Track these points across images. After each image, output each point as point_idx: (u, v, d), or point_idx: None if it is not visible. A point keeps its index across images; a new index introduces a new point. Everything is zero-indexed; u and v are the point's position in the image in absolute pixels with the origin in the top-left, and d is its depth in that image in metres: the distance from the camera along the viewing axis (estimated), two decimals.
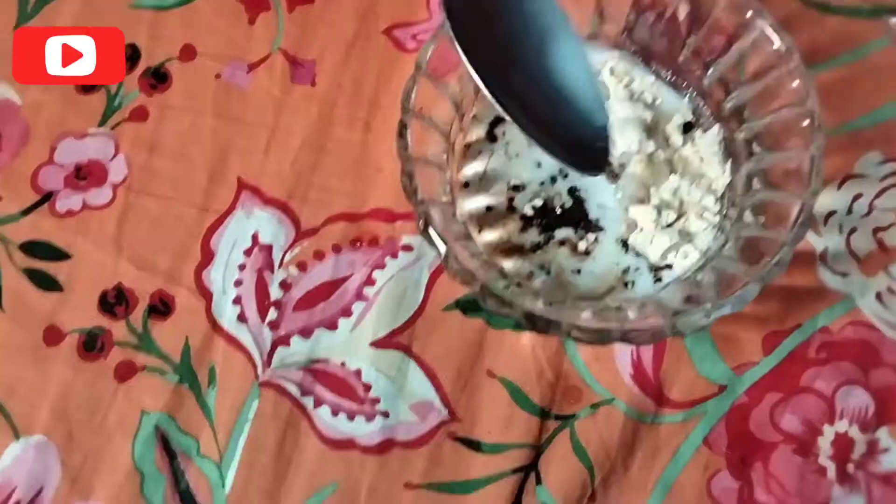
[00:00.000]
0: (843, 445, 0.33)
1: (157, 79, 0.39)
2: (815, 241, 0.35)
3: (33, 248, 0.37)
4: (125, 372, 0.35)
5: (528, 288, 0.32)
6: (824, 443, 0.33)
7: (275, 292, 0.36)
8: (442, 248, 0.29)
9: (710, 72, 0.34)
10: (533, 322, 0.29)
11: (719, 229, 0.33)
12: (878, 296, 0.34)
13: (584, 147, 0.31)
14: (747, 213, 0.32)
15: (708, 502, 0.33)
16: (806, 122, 0.30)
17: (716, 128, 0.34)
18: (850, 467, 0.33)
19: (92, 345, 0.35)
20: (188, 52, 0.39)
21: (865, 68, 0.37)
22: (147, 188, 0.37)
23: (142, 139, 0.38)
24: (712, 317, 0.28)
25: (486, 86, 0.28)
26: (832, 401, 0.33)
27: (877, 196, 0.35)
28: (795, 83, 0.31)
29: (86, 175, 0.38)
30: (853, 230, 0.35)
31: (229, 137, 0.38)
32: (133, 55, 0.39)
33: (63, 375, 0.35)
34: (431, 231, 0.29)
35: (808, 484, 0.33)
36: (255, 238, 0.36)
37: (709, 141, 0.34)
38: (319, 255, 0.36)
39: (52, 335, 0.36)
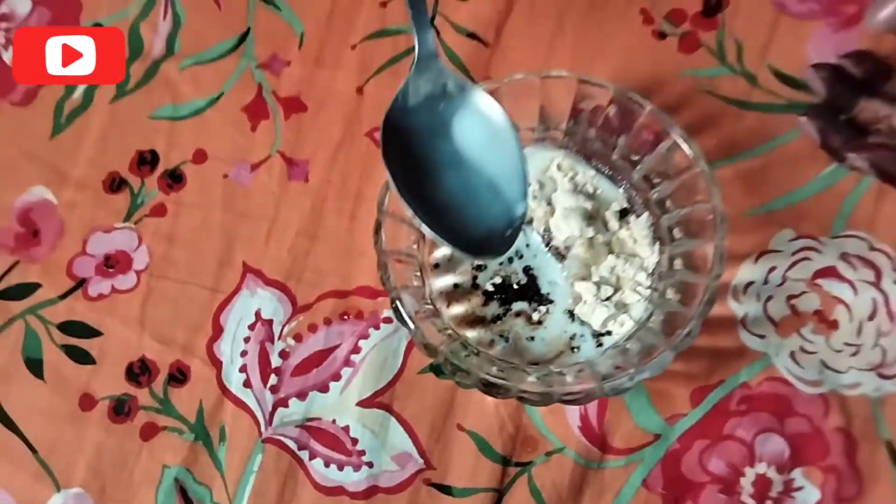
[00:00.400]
0: (762, 485, 0.38)
1: (174, 179, 0.44)
2: (737, 308, 0.39)
3: (69, 328, 0.42)
4: (149, 432, 0.41)
5: (487, 356, 0.37)
6: (746, 483, 0.38)
7: (275, 360, 0.41)
8: (411, 326, 0.35)
9: (637, 168, 0.39)
10: (487, 386, 0.35)
11: (650, 302, 0.38)
12: (792, 354, 0.39)
13: (494, 237, 0.34)
14: (669, 291, 0.37)
15: None
16: (710, 217, 0.35)
17: (645, 214, 0.39)
18: None
19: (120, 409, 0.41)
20: (200, 156, 0.44)
21: (779, 156, 0.41)
22: (166, 273, 0.43)
23: (161, 232, 0.43)
24: (635, 380, 0.34)
25: (406, 200, 0.32)
26: (752, 446, 0.38)
27: (789, 268, 0.40)
28: (702, 184, 0.36)
29: (113, 264, 0.43)
30: (769, 298, 0.39)
31: (235, 228, 0.43)
32: (152, 159, 0.44)
33: (96, 436, 0.41)
34: (402, 313, 0.35)
35: None
36: (257, 314, 0.42)
37: (640, 225, 0.39)
38: (313, 328, 0.42)
39: (87, 401, 0.41)
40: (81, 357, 0.42)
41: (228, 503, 0.39)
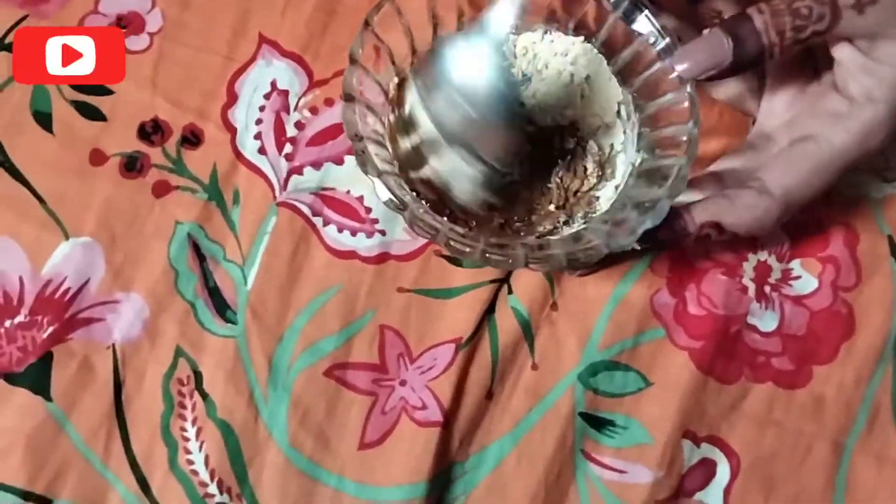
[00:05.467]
0: (762, 270, 0.40)
1: None
2: None
3: (81, 85, 0.42)
4: (161, 189, 0.41)
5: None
6: (748, 267, 0.40)
7: (290, 130, 0.41)
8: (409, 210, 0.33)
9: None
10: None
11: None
12: None
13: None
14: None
15: (650, 314, 0.39)
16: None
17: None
18: (767, 289, 0.40)
19: (132, 166, 0.41)
20: None
21: None
22: (179, 38, 0.42)
23: None
24: (638, 232, 0.32)
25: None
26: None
27: None
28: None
29: (126, 24, 0.42)
30: None
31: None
32: None
33: (107, 190, 0.40)
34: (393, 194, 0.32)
35: (732, 299, 0.39)
36: (273, 84, 0.42)
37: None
38: (329, 102, 0.42)
39: (97, 156, 0.41)
40: (92, 114, 0.41)
41: (242, 260, 0.40)
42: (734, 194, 0.34)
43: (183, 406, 0.39)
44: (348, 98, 0.34)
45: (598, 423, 0.38)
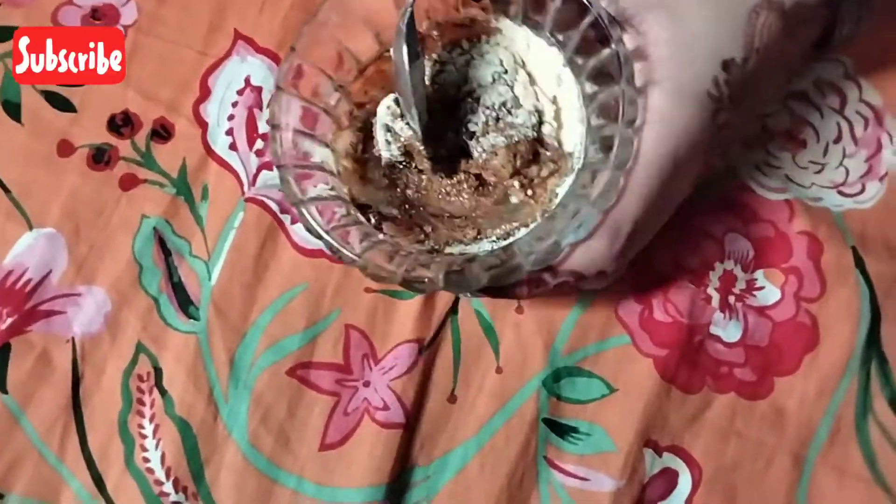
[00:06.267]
0: (727, 280, 0.40)
1: None
2: None
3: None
4: (129, 183, 0.40)
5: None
6: (714, 277, 0.40)
7: (262, 127, 0.41)
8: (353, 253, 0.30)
9: None
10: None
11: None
12: (757, 166, 0.40)
13: None
14: (591, 148, 0.33)
15: (615, 320, 0.39)
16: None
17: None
18: (731, 298, 0.40)
19: (100, 158, 0.40)
20: None
21: None
22: (154, 31, 0.42)
23: None
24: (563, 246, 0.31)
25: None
26: (722, 242, 0.39)
27: None
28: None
29: (101, 16, 0.42)
30: None
31: None
32: None
33: (74, 181, 0.40)
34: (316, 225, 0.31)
35: (697, 308, 0.39)
36: (247, 80, 0.42)
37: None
38: None
39: (65, 147, 0.41)
40: (62, 104, 0.41)
41: (207, 256, 0.39)
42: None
43: (141, 403, 0.38)
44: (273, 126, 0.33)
45: (562, 430, 0.38)
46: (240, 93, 0.41)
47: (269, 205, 0.40)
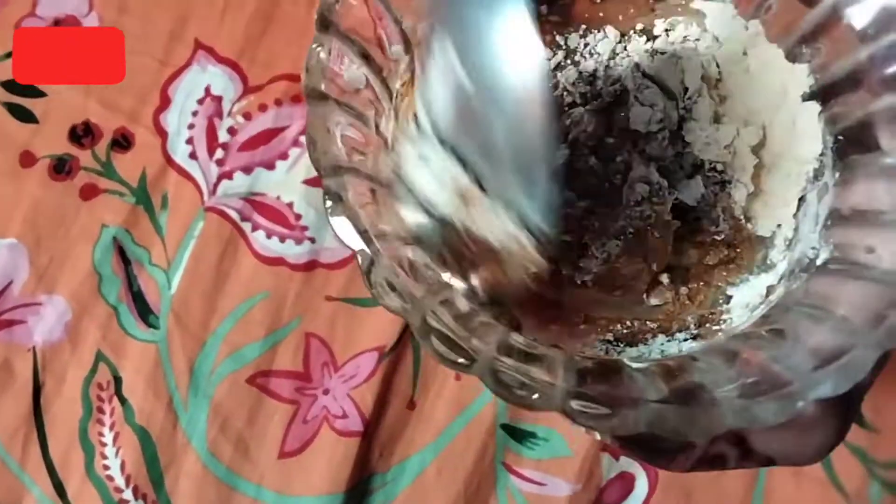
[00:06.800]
0: None
1: None
2: None
3: (13, 86, 0.41)
4: (89, 192, 0.40)
5: None
6: None
7: (223, 136, 0.41)
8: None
9: None
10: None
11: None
12: None
13: None
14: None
15: None
16: None
17: None
18: None
19: (61, 168, 0.41)
20: None
21: None
22: None
23: (113, 0, 0.43)
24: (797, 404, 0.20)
25: None
26: None
27: None
28: None
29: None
30: None
31: (189, 4, 0.42)
32: None
33: (35, 192, 0.40)
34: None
35: None
36: (207, 90, 0.42)
37: None
38: (263, 108, 0.41)
39: (27, 158, 0.41)
40: (24, 116, 0.41)
41: (167, 265, 0.39)
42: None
43: (101, 411, 0.38)
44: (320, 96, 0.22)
45: (520, 435, 0.38)
46: (200, 102, 0.42)
47: (229, 214, 0.40)
